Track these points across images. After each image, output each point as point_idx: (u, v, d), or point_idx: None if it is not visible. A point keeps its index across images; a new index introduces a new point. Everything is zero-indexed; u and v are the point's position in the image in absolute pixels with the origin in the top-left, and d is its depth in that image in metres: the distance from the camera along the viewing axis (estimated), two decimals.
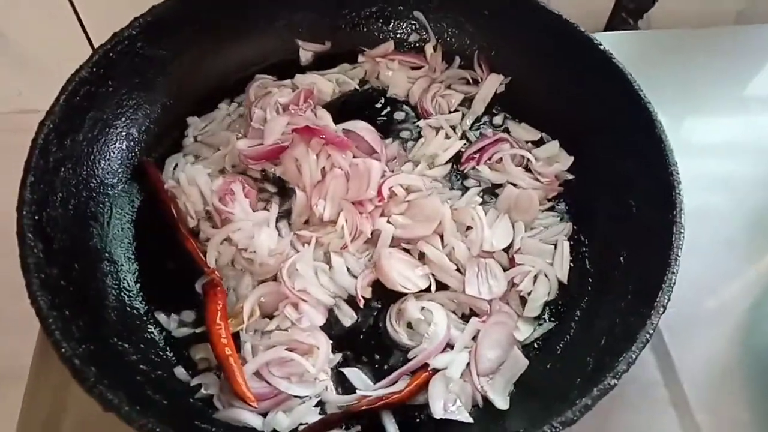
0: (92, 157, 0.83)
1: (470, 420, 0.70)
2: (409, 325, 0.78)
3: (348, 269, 0.81)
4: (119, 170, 0.87)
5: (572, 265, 0.83)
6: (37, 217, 0.71)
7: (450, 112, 0.99)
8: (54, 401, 0.78)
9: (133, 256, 0.82)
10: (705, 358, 0.83)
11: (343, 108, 0.98)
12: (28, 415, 0.78)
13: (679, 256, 0.68)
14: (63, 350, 0.60)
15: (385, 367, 0.76)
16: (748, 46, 1.22)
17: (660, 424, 0.79)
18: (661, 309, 0.64)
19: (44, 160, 0.75)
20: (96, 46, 1.08)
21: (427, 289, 0.80)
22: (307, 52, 1.03)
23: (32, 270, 0.65)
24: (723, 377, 0.82)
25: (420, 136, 0.96)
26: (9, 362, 0.84)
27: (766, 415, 0.79)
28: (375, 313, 0.80)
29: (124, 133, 0.88)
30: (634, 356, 0.61)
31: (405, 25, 1.05)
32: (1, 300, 0.82)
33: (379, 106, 1.00)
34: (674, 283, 0.67)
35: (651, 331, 0.63)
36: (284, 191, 0.88)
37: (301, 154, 0.85)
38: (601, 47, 0.87)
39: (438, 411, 0.70)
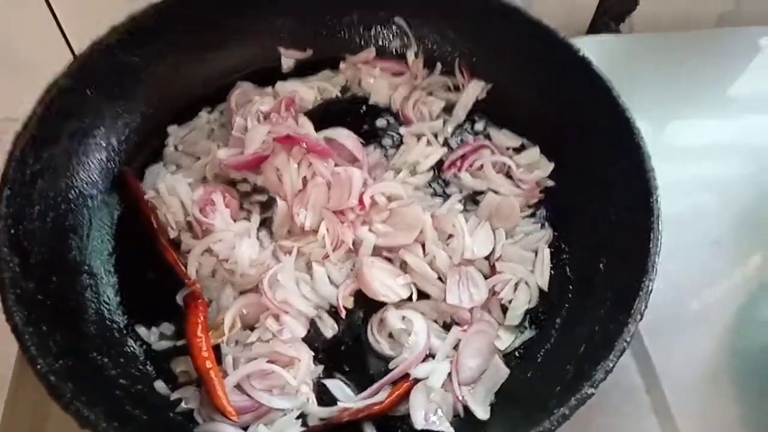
0: (71, 168, 0.82)
1: (451, 430, 0.70)
2: (391, 336, 0.78)
3: (330, 279, 0.81)
4: (99, 181, 0.86)
5: (553, 272, 0.84)
6: (13, 231, 0.70)
7: (431, 119, 0.99)
8: (34, 416, 0.77)
9: (113, 269, 0.82)
10: (687, 364, 0.83)
11: (324, 115, 0.98)
12: (10, 427, 0.77)
13: (657, 263, 0.69)
14: (39, 366, 0.60)
15: (367, 378, 0.75)
16: (730, 49, 1.23)
17: (642, 430, 0.79)
18: (638, 316, 0.65)
19: (21, 173, 0.74)
20: (76, 52, 1.08)
21: (409, 299, 0.80)
22: (288, 59, 1.02)
23: (7, 285, 0.65)
24: (705, 382, 0.82)
25: (402, 143, 0.96)
26: None
27: (747, 420, 0.80)
28: (357, 324, 0.79)
29: (103, 143, 0.87)
30: (611, 365, 0.61)
31: (386, 31, 1.04)
32: None
33: (360, 113, 1.00)
34: (651, 290, 0.67)
35: (628, 339, 0.63)
36: (267, 201, 0.88)
37: (282, 163, 0.85)
38: (580, 53, 0.87)
39: (419, 421, 0.70)
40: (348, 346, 0.78)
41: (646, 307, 0.66)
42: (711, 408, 0.81)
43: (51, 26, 1.08)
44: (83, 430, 0.59)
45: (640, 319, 0.65)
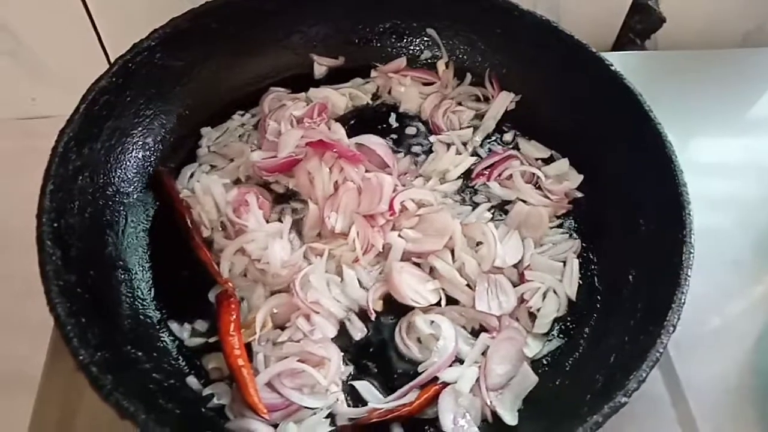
0: (109, 165, 0.84)
1: None
2: (419, 340, 0.79)
3: (359, 282, 0.82)
4: (135, 179, 0.88)
5: (581, 282, 0.84)
6: (55, 225, 0.71)
7: (461, 128, 1.00)
8: (65, 406, 0.78)
9: (147, 265, 0.83)
10: (712, 378, 0.84)
11: (355, 122, 1.00)
12: (40, 420, 0.78)
13: (689, 276, 0.69)
14: (81, 357, 0.61)
15: (396, 380, 0.76)
16: (754, 68, 1.24)
17: None
18: (671, 328, 0.65)
19: (63, 168, 0.76)
20: (110, 54, 1.10)
21: (438, 304, 0.81)
22: (321, 66, 1.04)
23: (51, 277, 0.66)
24: (730, 397, 0.82)
25: (431, 151, 0.97)
26: (20, 366, 0.84)
27: None
28: (386, 327, 0.80)
29: (140, 143, 0.89)
30: (644, 375, 0.62)
31: (418, 41, 1.06)
32: (15, 303, 0.83)
33: (391, 120, 1.01)
34: (684, 303, 0.68)
35: (661, 351, 0.64)
36: (299, 204, 0.89)
37: (314, 167, 0.87)
38: (612, 67, 0.88)
39: (447, 425, 0.71)
40: (377, 349, 0.79)
41: (678, 319, 0.66)
42: (736, 423, 0.80)
43: (88, 31, 1.11)
44: (114, 422, 0.60)
45: (673, 331, 0.65)
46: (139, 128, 0.89)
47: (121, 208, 0.84)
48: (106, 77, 0.83)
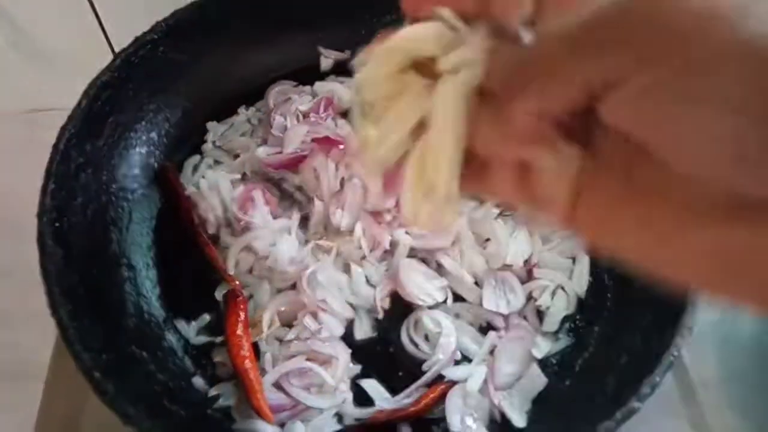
0: (112, 161, 0.83)
1: None
2: (427, 338, 0.78)
3: (367, 279, 0.81)
4: (139, 175, 0.87)
5: (591, 279, 0.82)
6: (57, 224, 0.71)
7: None
8: (73, 398, 0.78)
9: (151, 262, 0.82)
10: (724, 376, 0.82)
11: None
12: (47, 413, 0.78)
13: None
14: (83, 362, 0.60)
15: (402, 379, 0.75)
16: None
17: None
18: (686, 330, 0.63)
19: (65, 166, 0.75)
20: (114, 45, 1.09)
21: (444, 302, 0.80)
22: (327, 59, 1.02)
23: (53, 279, 0.65)
24: (744, 395, 0.81)
25: None
26: (28, 357, 0.83)
27: None
28: (393, 325, 0.79)
29: (144, 138, 0.88)
30: (658, 379, 0.60)
31: None
32: (20, 293, 0.82)
33: None
34: (697, 302, 0.66)
35: (675, 353, 0.62)
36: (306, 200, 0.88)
37: (320, 164, 0.85)
38: None
39: (455, 425, 0.70)
40: (384, 347, 0.77)
41: (694, 319, 0.64)
42: (749, 421, 0.79)
43: (90, 20, 1.09)
44: (121, 423, 0.60)
45: (689, 334, 0.63)
46: (143, 123, 0.88)
47: (125, 204, 0.83)
48: (108, 72, 0.81)
